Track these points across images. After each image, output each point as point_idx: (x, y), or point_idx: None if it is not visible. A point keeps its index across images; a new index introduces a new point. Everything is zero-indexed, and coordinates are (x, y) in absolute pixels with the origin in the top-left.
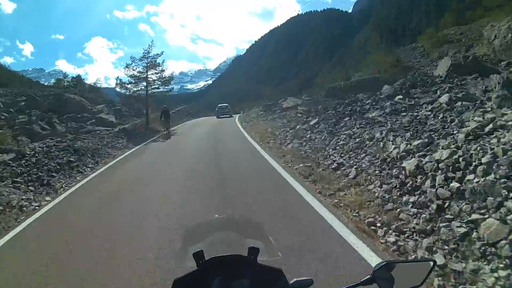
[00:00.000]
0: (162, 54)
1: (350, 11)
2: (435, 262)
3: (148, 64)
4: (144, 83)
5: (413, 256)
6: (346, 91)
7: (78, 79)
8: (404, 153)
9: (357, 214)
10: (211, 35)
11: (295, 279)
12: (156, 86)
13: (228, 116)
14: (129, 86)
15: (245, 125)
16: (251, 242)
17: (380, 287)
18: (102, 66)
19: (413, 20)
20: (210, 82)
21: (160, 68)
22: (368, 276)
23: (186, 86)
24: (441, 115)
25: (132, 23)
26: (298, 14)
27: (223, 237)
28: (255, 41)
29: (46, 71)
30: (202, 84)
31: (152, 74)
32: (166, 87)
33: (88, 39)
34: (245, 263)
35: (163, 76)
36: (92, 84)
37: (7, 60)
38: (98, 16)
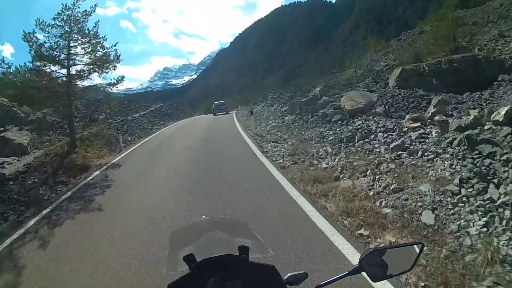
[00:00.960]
0: (94, 9)
1: (333, 1)
2: (423, 245)
3: (70, 31)
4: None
5: None
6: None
7: None
8: None
9: None
10: (194, 29)
11: (289, 274)
12: (86, 71)
13: (225, 113)
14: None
15: (280, 159)
16: (240, 240)
17: (369, 275)
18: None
19: (398, 10)
20: (194, 76)
21: (95, 41)
22: (356, 265)
23: (171, 81)
24: None
25: (113, 19)
26: (281, 5)
27: (211, 238)
28: (239, 34)
29: None
30: (186, 79)
31: (79, 48)
32: (105, 74)
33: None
34: (237, 262)
35: (97, 53)
36: None
37: None
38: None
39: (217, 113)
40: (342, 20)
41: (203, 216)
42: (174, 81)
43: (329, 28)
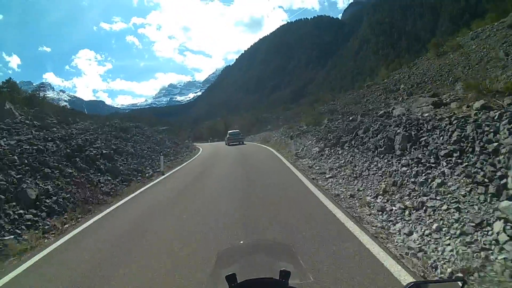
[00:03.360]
0: None
1: (340, 17)
2: (464, 281)
3: None
4: None
5: None
6: None
7: (11, 84)
8: None
9: None
10: (199, 46)
11: None
12: None
13: (240, 143)
14: None
15: None
16: (282, 265)
17: None
18: (90, 78)
19: (408, 24)
20: (199, 93)
21: None
22: None
23: (176, 98)
24: None
25: (119, 35)
26: (287, 22)
27: (255, 260)
28: (244, 51)
29: (33, 84)
30: (191, 95)
31: None
32: None
33: (75, 51)
34: (276, 286)
35: None
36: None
37: None
38: (85, 28)
39: (230, 144)
40: (350, 36)
41: (253, 239)
42: (179, 98)
43: (337, 44)
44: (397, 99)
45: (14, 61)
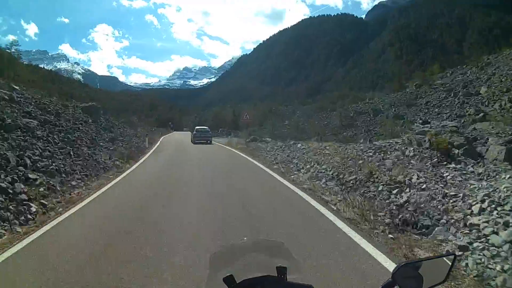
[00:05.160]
0: None
1: (364, 17)
2: (455, 256)
3: None
4: None
5: None
6: None
7: None
8: None
9: None
10: (217, 32)
11: None
12: None
13: (208, 142)
14: None
15: None
16: (278, 261)
17: None
18: (106, 54)
19: (434, 32)
20: (213, 80)
21: None
22: (389, 280)
23: (189, 82)
24: None
25: (138, 13)
26: (309, 16)
27: (249, 259)
28: (263, 41)
29: (49, 54)
30: (205, 81)
31: None
32: None
33: (93, 25)
34: (276, 283)
35: None
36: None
37: (11, 39)
38: (105, 3)
39: (196, 142)
40: (372, 37)
41: (244, 238)
42: (192, 82)
43: (359, 44)
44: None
45: (31, 29)
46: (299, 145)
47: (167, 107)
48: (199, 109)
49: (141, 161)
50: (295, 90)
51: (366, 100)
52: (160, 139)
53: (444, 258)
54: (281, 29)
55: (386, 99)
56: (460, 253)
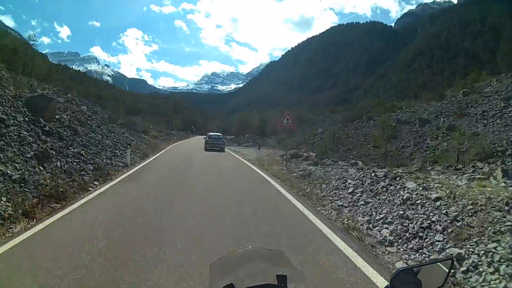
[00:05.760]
0: None
1: (393, 25)
2: (453, 260)
3: None
4: None
5: None
6: None
7: None
8: None
9: None
10: (246, 38)
11: None
12: None
13: (220, 150)
14: None
15: None
16: (277, 270)
17: None
18: (135, 57)
19: (466, 41)
20: (241, 85)
21: None
22: (387, 286)
23: (217, 87)
24: None
25: (168, 18)
26: (338, 24)
27: (249, 268)
28: (291, 48)
29: (80, 56)
30: (233, 86)
31: None
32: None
33: (123, 29)
34: None
35: None
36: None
37: (45, 41)
38: (135, 8)
39: (208, 148)
40: (402, 46)
41: (244, 248)
42: (220, 87)
43: (388, 52)
44: None
45: (64, 31)
46: (409, 184)
47: (191, 110)
48: (225, 114)
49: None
50: (322, 97)
51: (403, 108)
52: (167, 148)
53: (442, 262)
54: (309, 36)
55: (430, 108)
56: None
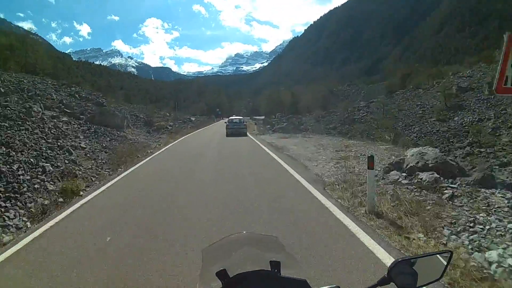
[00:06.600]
0: None
1: None
2: (451, 253)
3: None
4: None
5: None
6: None
7: None
8: None
9: None
10: (266, 16)
11: None
12: None
13: (242, 134)
14: None
15: None
16: (271, 256)
17: (398, 285)
18: (157, 46)
19: (498, 0)
20: (265, 64)
21: None
22: (384, 276)
23: (242, 67)
24: None
25: (185, 4)
26: None
27: (243, 254)
28: (314, 22)
29: (103, 51)
30: (258, 66)
31: None
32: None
33: (143, 20)
34: (269, 277)
35: None
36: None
37: (66, 40)
38: None
39: (229, 134)
40: (428, 13)
41: (237, 233)
42: (245, 68)
43: (414, 20)
44: None
45: (84, 29)
46: None
47: (215, 92)
48: (252, 94)
49: None
50: (349, 70)
51: (449, 75)
52: (175, 142)
53: (441, 255)
54: (331, 8)
55: (489, 71)
56: None
